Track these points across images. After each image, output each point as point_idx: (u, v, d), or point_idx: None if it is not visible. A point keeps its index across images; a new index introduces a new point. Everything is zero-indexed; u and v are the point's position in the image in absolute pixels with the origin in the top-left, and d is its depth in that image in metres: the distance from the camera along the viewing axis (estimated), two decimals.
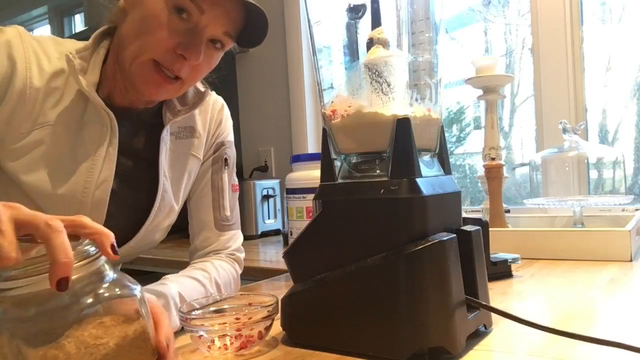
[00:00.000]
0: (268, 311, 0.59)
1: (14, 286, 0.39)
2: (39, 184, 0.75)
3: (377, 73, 0.59)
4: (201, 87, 0.88)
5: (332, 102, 0.61)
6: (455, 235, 0.56)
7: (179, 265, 1.56)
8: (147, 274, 1.73)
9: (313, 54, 0.65)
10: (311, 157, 1.46)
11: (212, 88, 0.92)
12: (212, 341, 0.57)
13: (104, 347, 0.40)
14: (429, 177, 0.57)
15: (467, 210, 1.53)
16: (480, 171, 1.27)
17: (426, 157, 0.61)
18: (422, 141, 0.59)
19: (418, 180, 0.54)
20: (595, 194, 1.32)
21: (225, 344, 0.57)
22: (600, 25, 1.56)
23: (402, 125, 0.55)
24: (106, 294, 0.42)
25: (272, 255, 1.61)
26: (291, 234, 1.50)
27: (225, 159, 0.96)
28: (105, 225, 0.48)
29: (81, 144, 0.77)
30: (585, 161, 1.32)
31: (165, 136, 0.85)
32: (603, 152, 1.30)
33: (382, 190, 0.55)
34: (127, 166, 0.83)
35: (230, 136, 0.97)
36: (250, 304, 0.64)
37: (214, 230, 0.95)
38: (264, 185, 1.97)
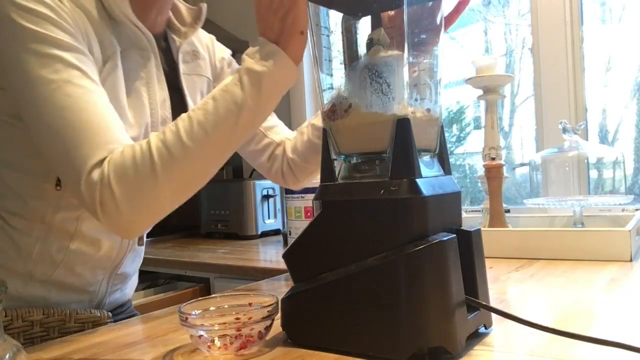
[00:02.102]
0: (268, 311, 0.59)
1: None
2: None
3: (377, 73, 0.59)
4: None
5: (332, 102, 0.61)
6: (455, 235, 0.56)
7: (179, 265, 1.57)
8: (147, 274, 1.73)
9: (313, 54, 0.65)
10: None
11: None
12: (212, 341, 0.57)
13: None
14: (429, 178, 0.57)
15: (467, 210, 1.53)
16: (480, 171, 1.27)
17: (426, 157, 0.61)
18: (422, 141, 0.59)
19: (418, 180, 0.54)
20: (595, 194, 1.32)
21: (225, 344, 0.57)
22: (600, 25, 1.56)
23: (402, 125, 0.55)
24: None
25: (272, 255, 1.61)
26: (290, 234, 1.50)
27: None
28: None
29: (130, 68, 0.79)
30: (585, 161, 1.31)
31: (179, 59, 0.88)
32: (603, 152, 1.30)
33: (382, 191, 0.55)
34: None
35: (229, 53, 1.02)
36: (250, 304, 0.64)
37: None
38: (264, 185, 1.97)
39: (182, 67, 0.89)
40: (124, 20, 0.77)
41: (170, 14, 0.90)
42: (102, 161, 0.65)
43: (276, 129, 1.02)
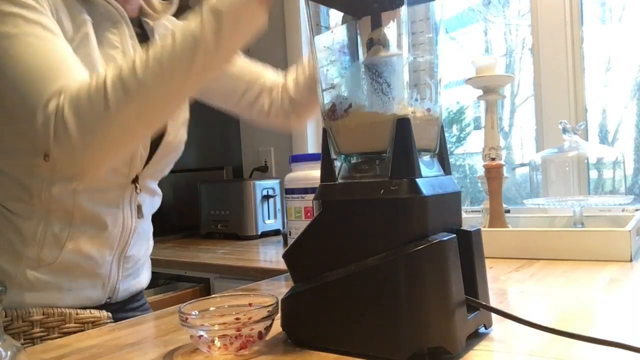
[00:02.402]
0: (268, 311, 0.59)
1: None
2: None
3: (377, 73, 0.59)
4: None
5: (332, 102, 0.61)
6: (455, 235, 0.56)
7: (179, 266, 1.57)
8: None
9: (313, 53, 0.65)
10: (310, 158, 1.46)
11: None
12: (212, 341, 0.57)
13: None
14: (429, 178, 0.57)
15: (467, 210, 1.53)
16: (480, 171, 1.27)
17: (426, 157, 0.61)
18: (422, 141, 0.59)
19: (418, 180, 0.54)
20: (595, 194, 1.32)
21: (225, 344, 0.57)
22: (600, 25, 1.56)
23: (402, 125, 0.55)
24: None
25: (272, 255, 1.61)
26: (290, 234, 1.50)
27: None
28: None
29: (104, 39, 0.80)
30: (585, 161, 1.31)
31: (155, 38, 0.90)
32: (603, 152, 1.30)
33: (382, 191, 0.55)
34: None
35: None
36: (250, 304, 0.64)
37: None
38: (264, 185, 1.97)
39: None
40: None
41: (142, 2, 0.91)
42: (57, 94, 0.66)
43: (265, 74, 1.04)
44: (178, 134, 0.94)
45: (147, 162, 0.89)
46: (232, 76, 1.01)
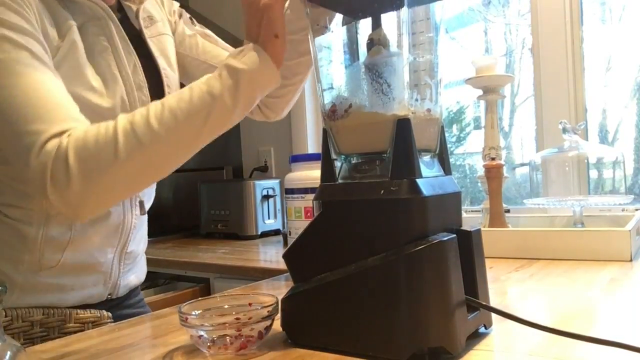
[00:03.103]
0: (268, 311, 0.59)
1: None
2: (82, 93, 0.75)
3: (377, 73, 0.59)
4: None
5: (332, 102, 0.61)
6: (455, 235, 0.56)
7: (179, 266, 1.57)
8: (147, 274, 1.73)
9: (313, 54, 0.65)
10: (310, 158, 1.46)
11: None
12: (212, 341, 0.57)
13: None
14: (429, 178, 0.57)
15: (467, 210, 1.53)
16: (480, 171, 1.27)
17: (426, 158, 0.61)
18: (422, 141, 0.59)
19: (418, 180, 0.54)
20: (595, 194, 1.32)
21: (225, 344, 0.57)
22: (600, 25, 1.56)
23: (402, 125, 0.55)
24: None
25: (272, 255, 1.61)
26: (290, 234, 1.50)
27: (191, 18, 1.03)
28: None
29: (91, 41, 0.79)
30: (585, 161, 1.31)
31: (140, 24, 0.89)
32: (603, 152, 1.30)
33: (382, 191, 0.55)
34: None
35: (177, 5, 1.04)
36: (250, 304, 0.64)
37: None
38: (264, 185, 1.97)
39: (145, 32, 0.90)
40: None
41: None
42: (59, 134, 0.64)
43: None
44: None
45: None
46: (207, 64, 1.00)
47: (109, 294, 0.90)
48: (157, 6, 0.97)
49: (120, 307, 0.93)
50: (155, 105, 0.66)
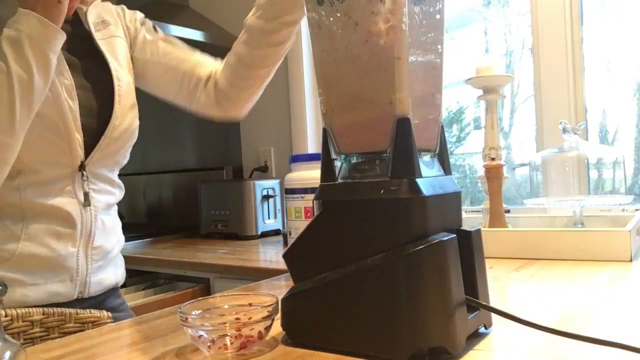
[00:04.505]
0: (268, 311, 0.59)
1: None
2: None
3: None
4: None
5: (332, 101, 0.61)
6: (455, 235, 0.56)
7: (179, 266, 1.57)
8: (147, 274, 1.73)
9: (313, 54, 0.64)
10: (309, 158, 1.46)
11: None
12: (212, 341, 0.57)
13: None
14: (429, 178, 0.57)
15: (467, 210, 1.53)
16: (480, 171, 1.27)
17: (426, 158, 0.61)
18: (422, 141, 0.59)
19: (418, 180, 0.54)
20: (595, 194, 1.32)
21: (225, 344, 0.57)
22: (600, 25, 1.56)
23: (402, 125, 0.55)
24: None
25: (272, 255, 1.61)
26: (290, 234, 1.50)
27: (154, 27, 1.07)
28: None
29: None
30: (585, 161, 1.31)
31: (90, 27, 0.93)
32: (603, 152, 1.30)
33: (382, 191, 0.55)
34: (74, 62, 0.90)
35: (141, 16, 1.07)
36: (250, 304, 0.64)
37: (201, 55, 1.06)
38: (264, 185, 1.97)
39: (95, 34, 0.93)
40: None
41: None
42: None
43: (203, 64, 1.04)
44: (126, 118, 0.94)
45: (93, 149, 0.90)
46: (166, 66, 1.02)
47: (80, 293, 0.89)
48: (114, 13, 1.01)
49: (95, 308, 0.91)
50: None
